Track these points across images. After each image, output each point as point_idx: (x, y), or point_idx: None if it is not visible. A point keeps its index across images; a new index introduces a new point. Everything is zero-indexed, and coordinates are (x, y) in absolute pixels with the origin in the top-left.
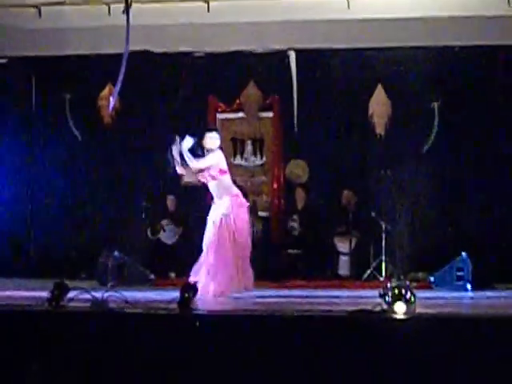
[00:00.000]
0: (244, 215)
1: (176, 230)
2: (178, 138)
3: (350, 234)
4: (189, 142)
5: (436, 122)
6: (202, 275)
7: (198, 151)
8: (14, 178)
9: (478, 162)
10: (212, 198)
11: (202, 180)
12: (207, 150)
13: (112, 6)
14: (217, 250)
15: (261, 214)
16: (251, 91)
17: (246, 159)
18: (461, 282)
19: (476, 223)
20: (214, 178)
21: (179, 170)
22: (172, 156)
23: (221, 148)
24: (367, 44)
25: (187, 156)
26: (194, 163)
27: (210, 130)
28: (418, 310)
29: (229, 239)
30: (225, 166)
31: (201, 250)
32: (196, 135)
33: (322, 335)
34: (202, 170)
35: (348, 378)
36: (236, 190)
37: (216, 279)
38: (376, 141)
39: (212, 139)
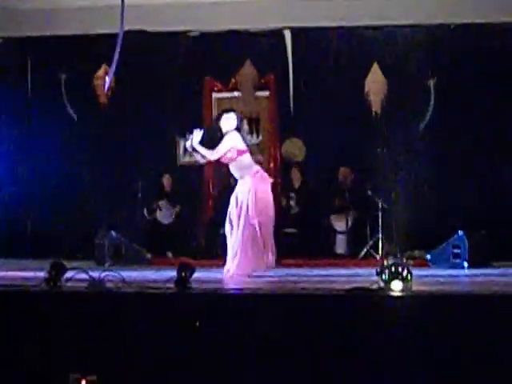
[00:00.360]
0: (266, 192)
1: (172, 209)
2: (189, 135)
3: (347, 213)
4: (197, 135)
5: (432, 100)
6: (229, 255)
7: (216, 133)
8: (10, 158)
9: (475, 139)
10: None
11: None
12: (225, 132)
13: None
14: (240, 230)
15: None
16: (247, 70)
17: (243, 138)
18: (457, 260)
19: (473, 201)
20: (233, 159)
21: (202, 160)
22: (187, 150)
23: (237, 128)
24: (363, 22)
25: (201, 150)
26: (210, 155)
27: (227, 111)
28: (415, 287)
29: (250, 218)
30: (242, 146)
31: (197, 229)
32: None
33: (320, 313)
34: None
35: (345, 355)
36: (256, 167)
37: (239, 259)
38: (372, 119)
39: (228, 120)
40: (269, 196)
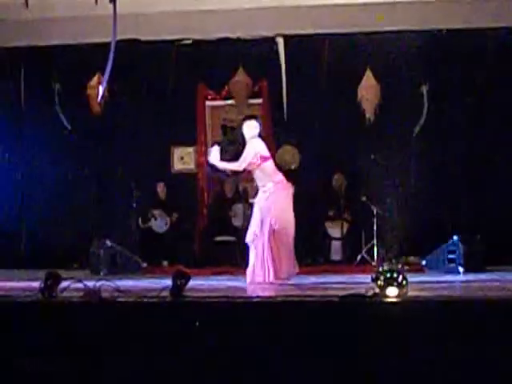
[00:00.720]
0: (288, 201)
1: (167, 218)
2: (210, 149)
3: (342, 219)
4: (214, 152)
5: (425, 106)
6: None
7: (239, 140)
8: (3, 168)
9: (468, 144)
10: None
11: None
12: (247, 138)
13: None
14: (259, 240)
15: (252, 200)
16: (240, 78)
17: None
18: (453, 265)
19: (467, 206)
20: (256, 166)
21: (228, 170)
22: (213, 168)
23: (260, 135)
24: (356, 29)
25: (224, 166)
26: (237, 167)
27: (249, 118)
28: (410, 293)
29: (270, 228)
30: (266, 153)
31: (192, 237)
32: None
33: (316, 320)
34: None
35: (341, 362)
36: (279, 176)
37: (259, 268)
38: (366, 125)
39: (250, 127)
40: (290, 205)
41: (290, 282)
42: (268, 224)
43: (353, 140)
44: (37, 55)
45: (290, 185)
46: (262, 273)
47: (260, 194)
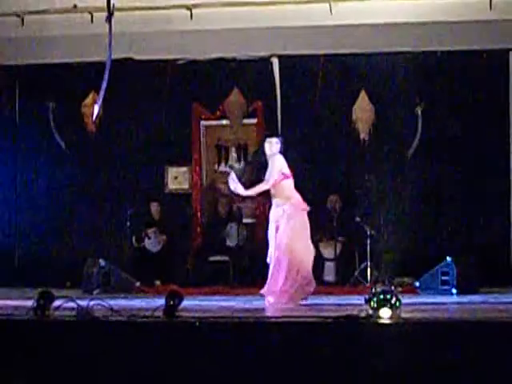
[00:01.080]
0: (303, 221)
1: (160, 237)
2: (232, 174)
3: (335, 240)
4: (233, 180)
5: (419, 127)
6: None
7: (260, 158)
8: None
9: (462, 166)
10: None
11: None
12: (268, 155)
13: (95, 15)
14: (277, 260)
15: (246, 220)
16: (235, 98)
17: (231, 166)
18: (446, 287)
19: (461, 228)
20: (276, 183)
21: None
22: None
23: (280, 152)
24: (350, 50)
25: (252, 193)
26: (264, 185)
27: (269, 136)
28: (404, 314)
29: (286, 248)
30: (287, 170)
31: (185, 257)
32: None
33: (309, 341)
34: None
35: (334, 383)
36: (297, 196)
37: (279, 285)
38: (360, 146)
39: (271, 144)
40: (306, 225)
41: (290, 304)
42: (283, 243)
43: (347, 161)
44: (32, 73)
45: (305, 205)
46: (281, 291)
47: (276, 211)
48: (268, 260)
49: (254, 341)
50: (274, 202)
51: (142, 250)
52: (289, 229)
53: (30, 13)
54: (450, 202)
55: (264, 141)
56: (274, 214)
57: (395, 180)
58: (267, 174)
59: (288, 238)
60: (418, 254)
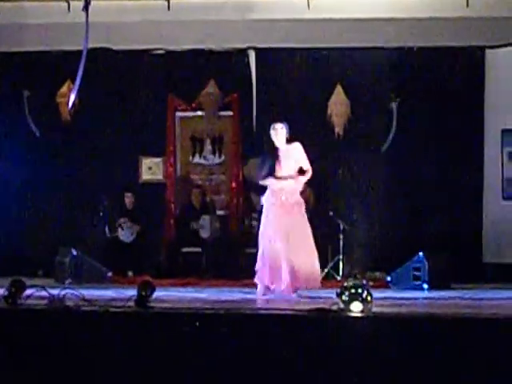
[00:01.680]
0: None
1: (134, 227)
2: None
3: None
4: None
5: (394, 122)
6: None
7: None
8: None
9: (436, 161)
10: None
11: None
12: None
13: (72, 3)
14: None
15: (219, 212)
16: (211, 90)
17: (205, 158)
18: (417, 282)
19: (433, 223)
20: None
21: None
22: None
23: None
24: (327, 44)
25: (299, 184)
26: (308, 176)
27: (275, 122)
28: (375, 309)
29: (286, 238)
30: None
31: (158, 248)
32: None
33: (280, 334)
34: None
35: (304, 376)
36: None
37: (284, 277)
38: (335, 140)
39: (276, 131)
40: (305, 221)
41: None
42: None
43: (322, 155)
44: (7, 61)
45: (302, 202)
46: (285, 282)
47: (292, 198)
48: (272, 249)
49: (224, 332)
50: (290, 190)
51: (114, 240)
52: (305, 220)
53: (6, 0)
54: (423, 198)
55: (272, 128)
56: (286, 203)
57: (369, 174)
58: (303, 162)
59: (308, 227)
60: (391, 249)
